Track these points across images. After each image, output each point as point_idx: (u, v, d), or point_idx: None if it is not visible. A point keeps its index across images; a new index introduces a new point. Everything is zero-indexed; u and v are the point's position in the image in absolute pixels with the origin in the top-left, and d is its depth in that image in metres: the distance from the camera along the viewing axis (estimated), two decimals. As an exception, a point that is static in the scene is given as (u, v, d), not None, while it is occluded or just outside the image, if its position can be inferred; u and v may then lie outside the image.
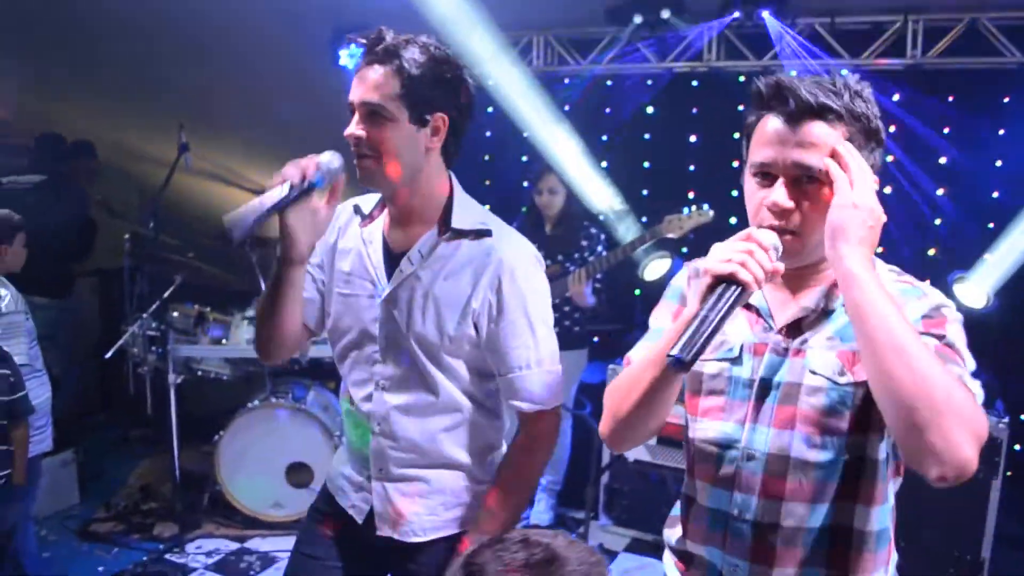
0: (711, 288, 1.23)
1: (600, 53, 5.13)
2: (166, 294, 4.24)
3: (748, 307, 1.44)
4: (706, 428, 1.46)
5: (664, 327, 1.51)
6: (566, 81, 5.45)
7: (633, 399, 1.40)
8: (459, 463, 1.86)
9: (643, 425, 1.45)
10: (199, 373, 4.44)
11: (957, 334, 1.31)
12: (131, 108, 5.20)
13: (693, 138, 5.39)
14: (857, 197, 1.25)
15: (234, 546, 3.99)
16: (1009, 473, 3.50)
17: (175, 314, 4.42)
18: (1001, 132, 4.53)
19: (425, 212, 1.78)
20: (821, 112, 1.31)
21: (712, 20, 4.75)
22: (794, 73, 1.40)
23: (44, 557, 3.74)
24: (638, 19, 4.74)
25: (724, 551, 1.44)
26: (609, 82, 5.32)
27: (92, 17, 5.06)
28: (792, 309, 1.41)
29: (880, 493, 1.39)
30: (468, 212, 1.79)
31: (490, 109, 5.00)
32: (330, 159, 1.64)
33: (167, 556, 3.87)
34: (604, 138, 5.29)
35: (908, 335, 1.18)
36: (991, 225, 4.57)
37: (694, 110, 5.26)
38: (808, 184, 1.31)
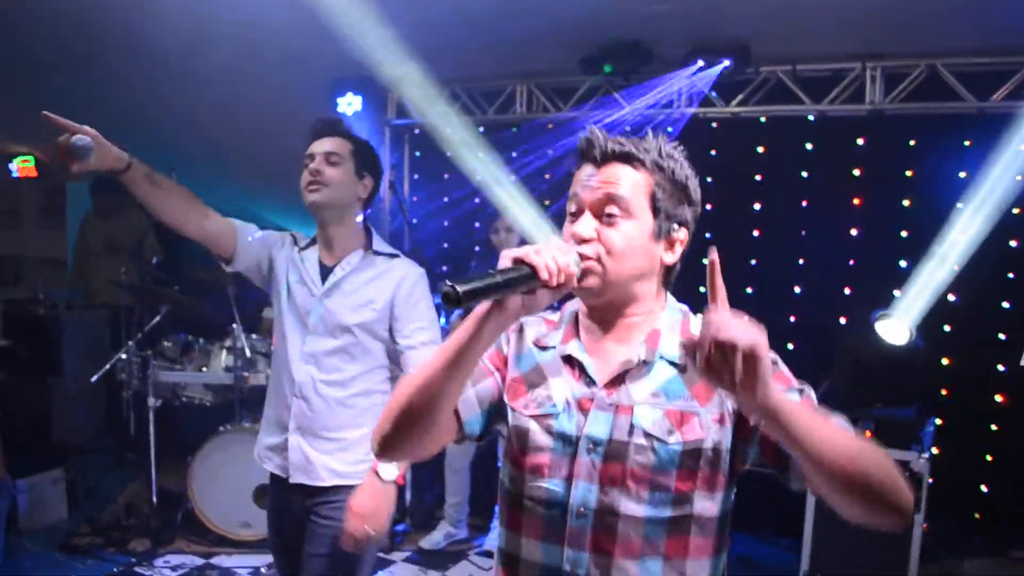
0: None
1: (578, 101, 5.39)
2: (151, 324, 4.57)
3: (570, 362, 1.48)
4: (534, 485, 1.46)
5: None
6: (550, 127, 5.70)
7: (416, 386, 1.38)
8: (362, 426, 2.40)
9: (421, 419, 1.40)
10: (184, 399, 4.72)
11: (792, 375, 1.43)
12: (135, 145, 5.59)
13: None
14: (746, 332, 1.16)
15: (200, 561, 4.23)
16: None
17: (167, 344, 4.76)
18: (962, 175, 4.59)
19: (349, 240, 2.48)
20: (625, 158, 1.44)
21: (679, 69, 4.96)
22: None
23: (23, 567, 4.04)
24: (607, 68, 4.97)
25: None
26: (550, 126, 5.58)
27: (98, 49, 5.45)
28: (613, 364, 1.45)
29: (709, 546, 1.44)
30: (382, 243, 2.52)
31: (449, 153, 5.25)
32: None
33: (136, 569, 4.11)
34: (546, 176, 5.53)
35: (841, 441, 1.22)
36: (955, 268, 4.64)
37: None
38: (610, 218, 1.41)
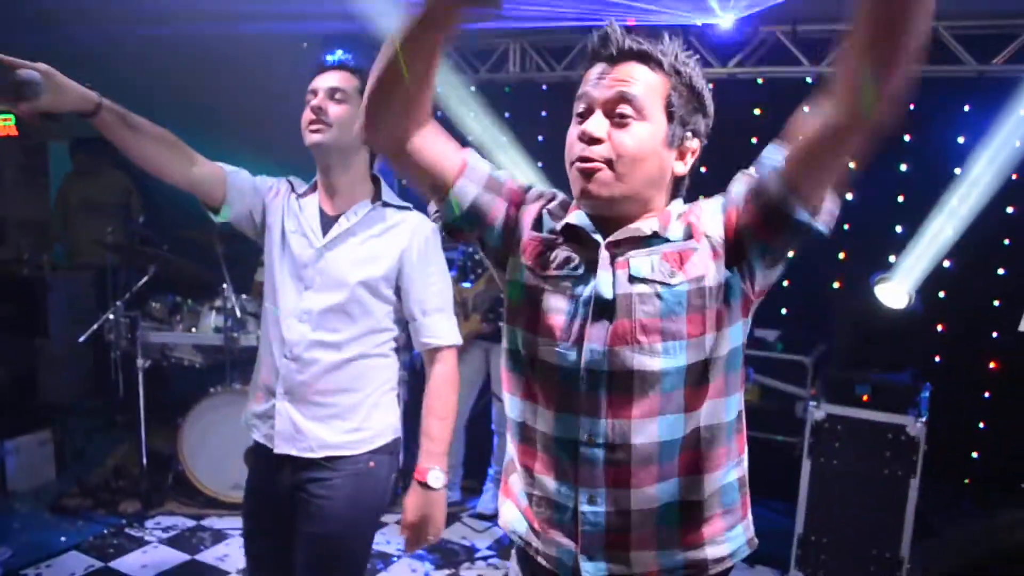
0: None
1: (572, 60, 5.29)
2: (139, 284, 4.50)
3: (575, 229, 1.46)
4: (546, 350, 1.43)
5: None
6: (544, 87, 5.61)
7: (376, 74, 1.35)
8: (357, 391, 2.22)
9: (392, 95, 1.35)
10: (172, 360, 4.67)
11: None
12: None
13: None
14: None
15: (191, 523, 4.20)
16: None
17: (155, 304, 4.69)
18: (961, 140, 4.55)
19: (355, 189, 2.24)
20: (642, 57, 1.37)
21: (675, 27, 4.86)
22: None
23: (12, 528, 4.00)
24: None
25: (577, 482, 1.41)
26: (544, 87, 5.53)
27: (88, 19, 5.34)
28: (621, 232, 1.42)
29: (726, 386, 1.41)
30: (392, 194, 2.29)
31: (439, 113, 5.16)
32: None
33: (127, 530, 4.08)
34: (540, 138, 5.46)
35: None
36: (950, 233, 4.62)
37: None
38: (622, 119, 1.35)
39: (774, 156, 1.31)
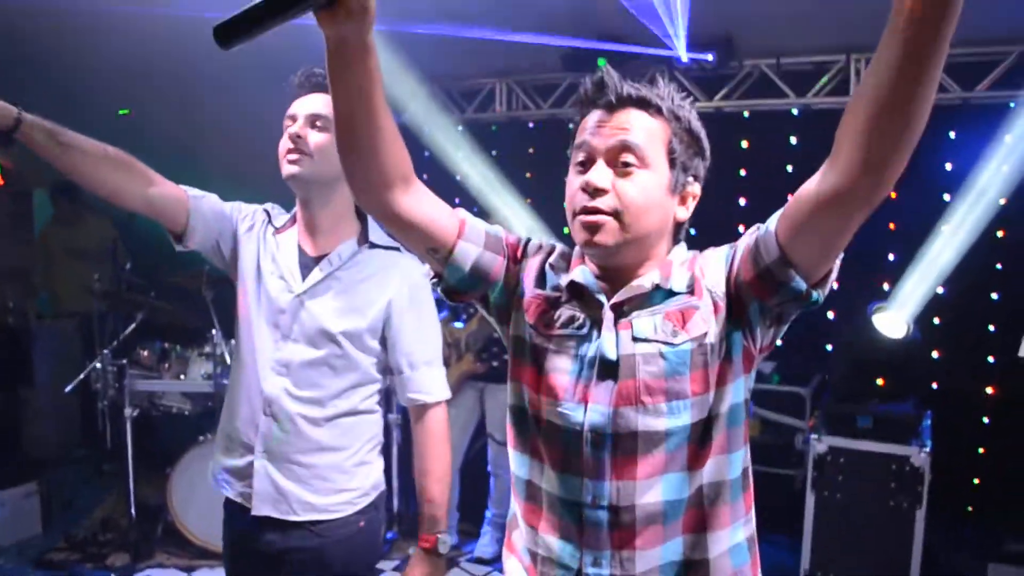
0: None
1: (559, 98, 5.31)
2: (126, 332, 4.43)
3: (579, 287, 1.43)
4: (551, 408, 1.40)
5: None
6: (530, 125, 5.61)
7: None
8: (344, 449, 2.05)
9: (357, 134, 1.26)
10: (161, 408, 4.59)
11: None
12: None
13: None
14: None
15: (181, 575, 4.09)
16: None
17: (143, 352, 4.62)
18: (948, 167, 4.57)
19: (338, 227, 2.06)
20: (641, 103, 1.34)
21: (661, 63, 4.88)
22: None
23: (-3, 585, 3.90)
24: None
25: (582, 544, 1.38)
26: (531, 125, 5.55)
27: (86, 64, 5.33)
28: (622, 288, 1.39)
29: (730, 440, 1.38)
30: (380, 232, 2.08)
31: (427, 153, 5.14)
32: None
33: (115, 585, 3.98)
34: (527, 175, 5.47)
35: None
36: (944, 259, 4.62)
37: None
38: (626, 168, 1.33)
39: (775, 218, 1.29)
